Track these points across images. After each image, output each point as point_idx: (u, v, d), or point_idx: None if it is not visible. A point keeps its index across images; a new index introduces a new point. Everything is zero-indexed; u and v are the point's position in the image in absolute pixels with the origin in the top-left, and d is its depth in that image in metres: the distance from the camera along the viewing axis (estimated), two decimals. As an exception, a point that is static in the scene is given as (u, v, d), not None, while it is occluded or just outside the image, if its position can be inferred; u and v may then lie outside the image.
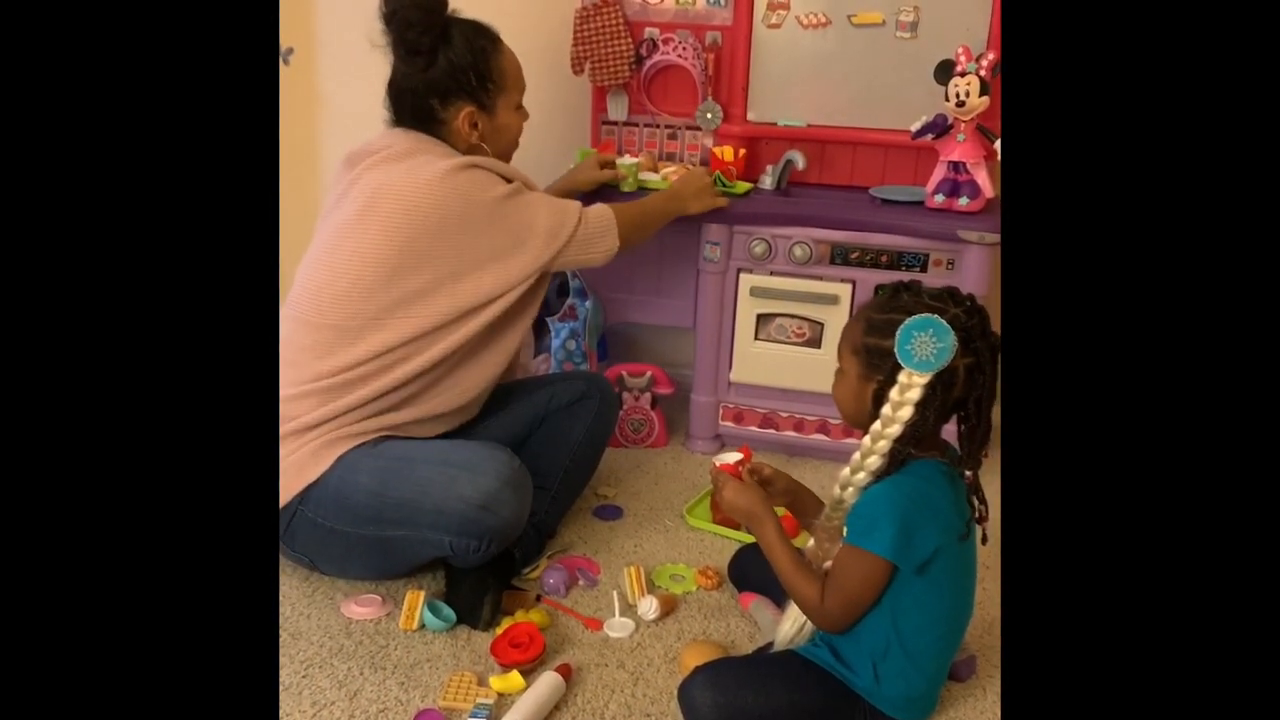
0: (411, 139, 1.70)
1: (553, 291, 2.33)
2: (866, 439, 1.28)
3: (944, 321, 1.21)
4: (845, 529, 1.30)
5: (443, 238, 1.61)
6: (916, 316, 1.22)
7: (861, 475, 1.29)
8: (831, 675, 1.33)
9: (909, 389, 1.24)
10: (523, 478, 1.60)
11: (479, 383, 1.73)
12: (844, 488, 1.31)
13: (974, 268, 1.99)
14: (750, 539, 1.82)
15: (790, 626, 1.38)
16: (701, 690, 1.31)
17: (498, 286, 1.65)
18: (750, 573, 1.66)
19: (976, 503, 1.32)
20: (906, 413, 1.24)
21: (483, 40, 1.71)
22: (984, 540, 1.35)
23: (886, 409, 1.26)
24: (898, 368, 1.24)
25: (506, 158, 1.82)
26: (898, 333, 1.22)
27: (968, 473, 1.31)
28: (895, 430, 1.25)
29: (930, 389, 1.24)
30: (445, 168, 1.61)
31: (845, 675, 1.33)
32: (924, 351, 1.22)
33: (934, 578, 1.28)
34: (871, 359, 1.28)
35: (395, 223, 1.60)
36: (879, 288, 1.37)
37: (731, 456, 1.57)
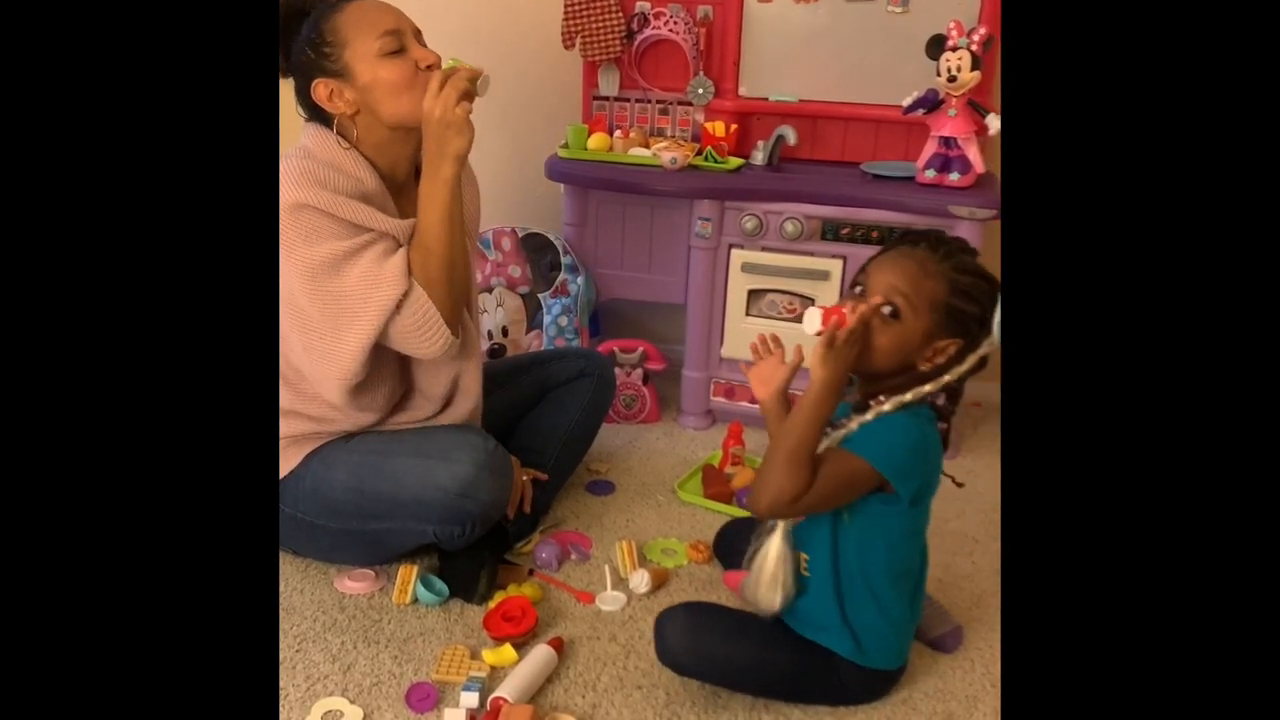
0: (306, 131, 1.54)
1: (544, 266, 2.33)
2: (908, 395, 1.28)
3: None
4: (845, 440, 1.30)
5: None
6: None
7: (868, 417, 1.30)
8: (807, 639, 1.34)
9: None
10: (500, 460, 1.58)
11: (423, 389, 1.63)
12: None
13: (965, 243, 1.99)
14: (741, 513, 1.83)
15: (766, 588, 1.37)
16: (676, 630, 1.34)
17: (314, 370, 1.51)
18: (736, 547, 1.65)
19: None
20: (952, 376, 1.28)
21: (323, 8, 1.47)
22: None
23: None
24: (983, 336, 1.27)
25: (403, 116, 1.47)
26: (1000, 307, 1.24)
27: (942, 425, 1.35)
28: (931, 389, 1.29)
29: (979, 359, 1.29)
30: (288, 203, 1.41)
31: (815, 620, 1.34)
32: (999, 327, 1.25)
33: (921, 513, 1.34)
34: (953, 321, 1.27)
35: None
36: (928, 237, 1.32)
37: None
